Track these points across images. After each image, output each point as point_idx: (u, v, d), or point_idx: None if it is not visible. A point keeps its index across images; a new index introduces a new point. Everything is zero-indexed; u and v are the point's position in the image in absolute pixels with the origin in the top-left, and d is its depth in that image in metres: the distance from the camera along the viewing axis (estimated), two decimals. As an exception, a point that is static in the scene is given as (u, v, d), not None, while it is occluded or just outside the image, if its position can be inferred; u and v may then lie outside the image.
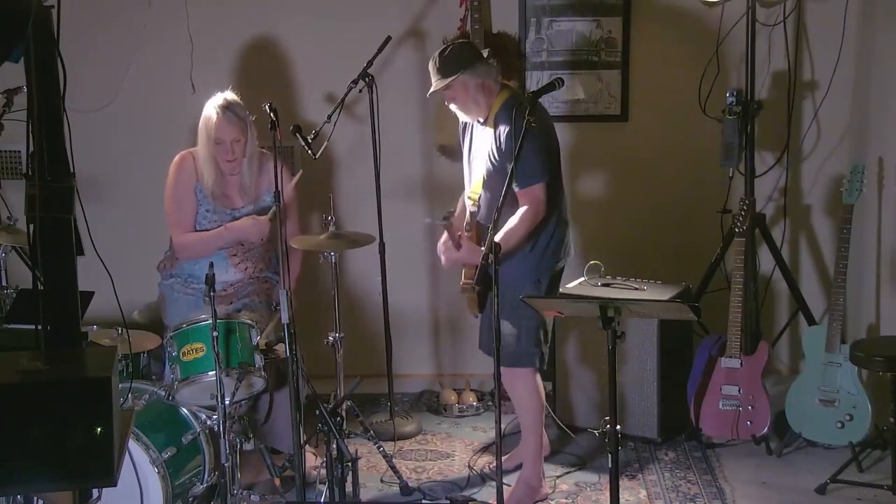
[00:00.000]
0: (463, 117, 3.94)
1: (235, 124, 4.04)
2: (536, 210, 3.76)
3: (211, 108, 4.05)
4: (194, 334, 3.68)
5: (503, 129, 3.76)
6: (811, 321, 4.59)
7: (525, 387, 3.97)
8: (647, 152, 5.00)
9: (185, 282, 4.17)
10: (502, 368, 3.48)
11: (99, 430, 2.01)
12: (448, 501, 3.92)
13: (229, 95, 4.09)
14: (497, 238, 3.40)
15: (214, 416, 3.60)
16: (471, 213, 3.96)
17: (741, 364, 4.34)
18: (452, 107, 3.88)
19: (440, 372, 5.25)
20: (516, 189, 3.69)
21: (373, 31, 4.66)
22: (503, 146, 3.76)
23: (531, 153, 3.63)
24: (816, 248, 4.87)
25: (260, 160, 4.18)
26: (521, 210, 3.75)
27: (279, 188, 3.64)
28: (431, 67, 3.84)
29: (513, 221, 3.73)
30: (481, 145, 3.91)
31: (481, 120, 3.89)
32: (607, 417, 3.08)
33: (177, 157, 4.19)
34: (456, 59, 3.79)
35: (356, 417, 4.29)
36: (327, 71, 4.94)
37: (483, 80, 3.82)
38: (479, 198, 3.92)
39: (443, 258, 3.93)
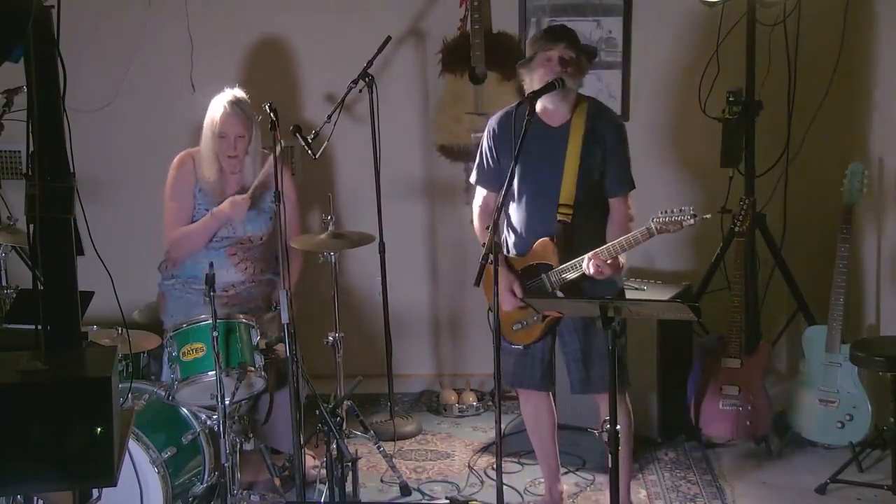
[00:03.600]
0: (554, 105, 3.52)
1: (241, 120, 4.05)
2: (629, 216, 3.60)
3: (218, 103, 4.07)
4: (194, 334, 3.68)
5: (608, 131, 3.57)
6: (811, 321, 4.59)
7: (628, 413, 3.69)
8: (647, 152, 4.99)
9: (186, 282, 4.17)
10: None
11: (99, 430, 2.01)
12: (448, 501, 3.92)
13: (238, 92, 4.11)
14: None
15: (214, 416, 3.60)
16: (564, 223, 3.56)
17: (741, 364, 4.34)
18: (549, 96, 3.44)
19: (440, 372, 5.25)
20: (614, 196, 3.60)
21: (373, 31, 4.66)
22: (611, 148, 3.57)
23: (627, 160, 3.60)
24: (816, 248, 4.86)
25: (263, 161, 4.18)
26: (622, 218, 3.58)
27: (279, 188, 3.65)
28: (558, 33, 3.57)
29: (619, 233, 3.51)
30: (556, 148, 3.56)
31: (555, 123, 3.57)
32: (607, 417, 3.08)
33: (176, 159, 4.19)
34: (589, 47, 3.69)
35: (356, 417, 4.29)
36: (327, 71, 4.94)
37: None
38: (573, 204, 3.56)
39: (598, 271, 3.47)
